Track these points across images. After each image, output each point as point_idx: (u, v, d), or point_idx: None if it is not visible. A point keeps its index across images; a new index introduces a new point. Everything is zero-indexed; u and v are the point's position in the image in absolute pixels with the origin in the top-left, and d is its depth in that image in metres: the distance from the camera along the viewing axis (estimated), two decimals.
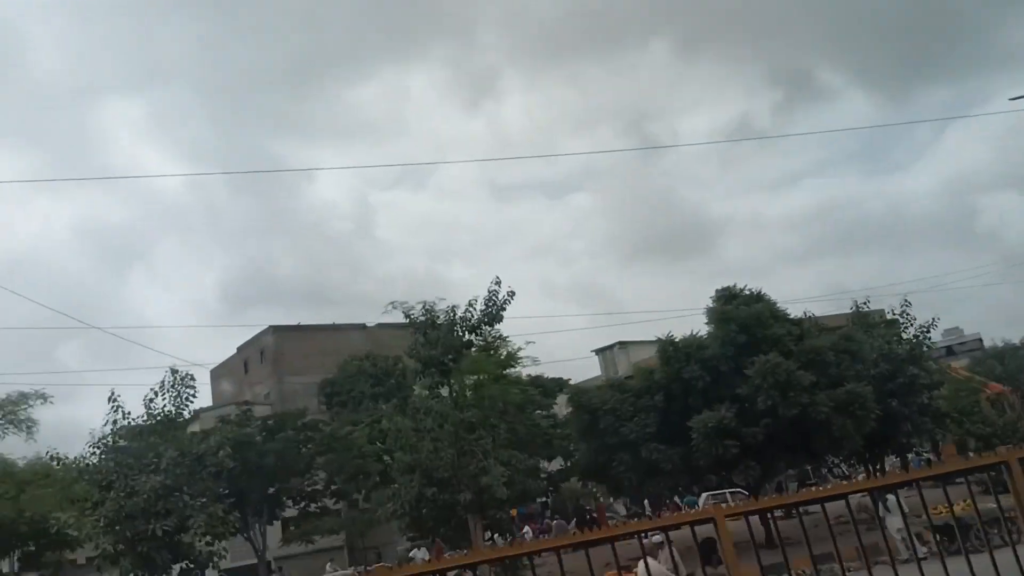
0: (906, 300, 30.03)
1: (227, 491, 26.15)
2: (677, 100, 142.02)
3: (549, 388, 34.46)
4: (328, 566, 38.26)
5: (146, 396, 23.16)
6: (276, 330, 66.72)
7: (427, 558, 29.16)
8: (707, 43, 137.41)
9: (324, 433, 32.34)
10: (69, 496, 24.55)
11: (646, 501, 40.23)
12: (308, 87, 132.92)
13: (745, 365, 24.19)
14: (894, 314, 29.89)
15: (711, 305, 27.24)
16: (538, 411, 30.85)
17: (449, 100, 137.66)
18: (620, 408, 25.77)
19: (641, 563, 9.44)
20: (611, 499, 43.22)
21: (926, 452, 39.30)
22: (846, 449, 25.80)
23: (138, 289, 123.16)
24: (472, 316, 25.38)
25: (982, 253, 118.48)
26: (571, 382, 41.21)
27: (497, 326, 25.81)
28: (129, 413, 22.63)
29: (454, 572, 5.47)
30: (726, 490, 34.03)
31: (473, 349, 25.70)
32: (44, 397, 30.38)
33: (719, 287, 27.83)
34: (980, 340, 80.00)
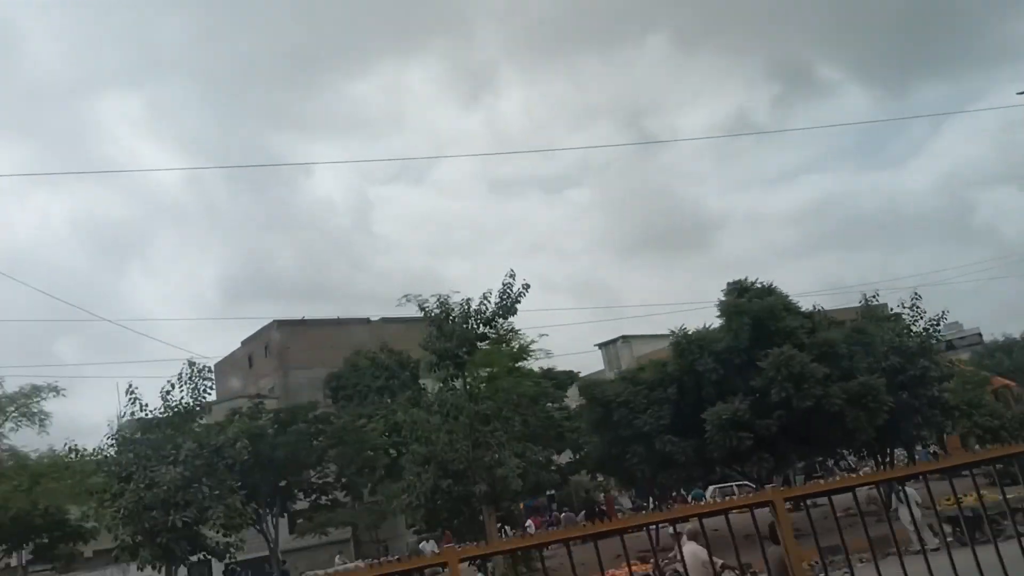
0: (916, 294, 30.17)
1: (239, 483, 26.22)
2: (675, 95, 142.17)
3: (561, 381, 34.60)
4: (337, 558, 38.46)
5: (163, 388, 23.30)
6: (281, 324, 66.97)
7: (436, 551, 29.30)
8: (705, 38, 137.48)
9: (335, 426, 32.40)
10: (88, 488, 24.64)
11: (652, 494, 40.43)
12: (306, 81, 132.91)
13: (758, 358, 24.32)
14: (904, 307, 30.02)
15: (722, 298, 27.38)
16: (550, 403, 30.98)
17: (447, 95, 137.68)
18: (633, 400, 25.92)
19: (686, 547, 9.58)
20: (616, 492, 43.45)
21: (931, 444, 39.47)
22: (858, 441, 25.93)
23: (134, 283, 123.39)
24: (487, 309, 25.46)
25: (979, 248, 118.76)
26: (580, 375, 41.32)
27: (511, 319, 25.94)
28: (147, 405, 22.76)
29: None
30: (733, 483, 34.27)
31: (487, 342, 25.82)
32: (56, 390, 30.56)
33: (730, 280, 27.97)
34: (979, 335, 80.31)
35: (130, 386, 22.65)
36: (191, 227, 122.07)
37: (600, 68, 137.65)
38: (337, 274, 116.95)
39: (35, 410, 30.49)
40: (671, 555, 14.74)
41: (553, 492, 43.60)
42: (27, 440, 32.29)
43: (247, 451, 24.55)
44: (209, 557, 23.00)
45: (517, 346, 27.22)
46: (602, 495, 40.95)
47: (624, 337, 67.81)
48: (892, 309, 31.93)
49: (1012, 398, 44.00)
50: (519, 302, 25.48)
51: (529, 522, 36.39)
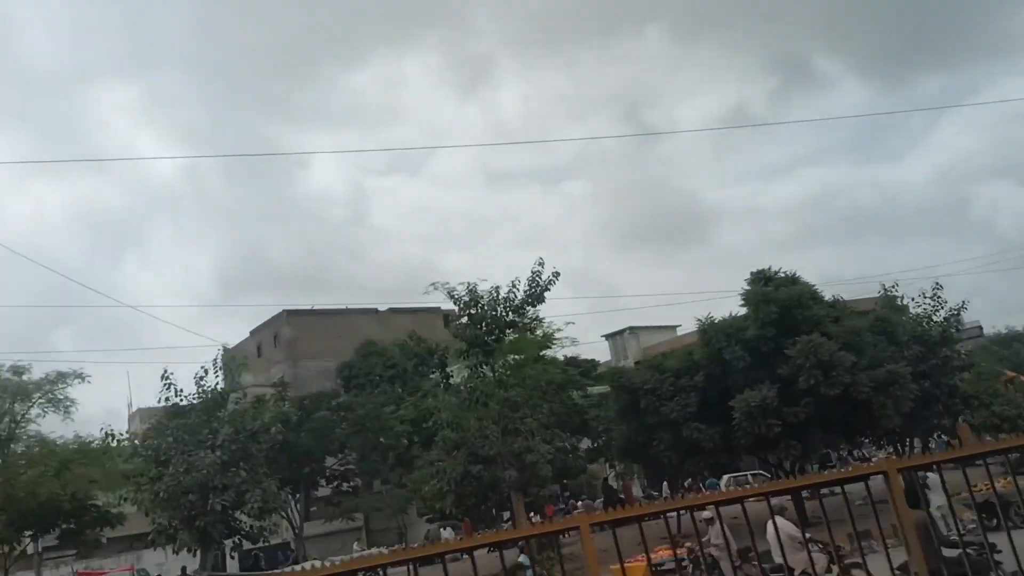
0: (937, 283, 30.49)
1: (265, 471, 26.41)
2: (673, 87, 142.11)
3: (586, 369, 34.83)
4: (355, 545, 38.82)
5: (196, 374, 23.48)
6: (290, 314, 67.26)
7: (454, 538, 29.54)
8: (703, 30, 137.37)
9: (358, 414, 32.61)
10: (124, 472, 24.77)
11: (664, 483, 40.73)
12: (303, 72, 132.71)
13: (785, 346, 24.56)
14: (925, 297, 30.33)
15: (746, 287, 27.62)
16: (576, 391, 31.24)
17: (444, 86, 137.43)
18: (660, 388, 26.14)
19: (770, 523, 9.83)
20: (629, 479, 43.72)
21: (941, 434, 39.83)
22: (883, 429, 26.22)
23: (127, 273, 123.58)
24: (515, 297, 25.66)
25: (977, 242, 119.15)
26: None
27: (538, 307, 26.15)
28: (182, 390, 22.95)
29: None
30: (747, 472, 34.58)
31: (513, 330, 26.04)
32: (81, 376, 30.65)
33: (754, 270, 28.16)
34: (980, 328, 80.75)
35: (165, 372, 22.86)
36: (187, 217, 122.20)
37: (598, 60, 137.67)
38: (333, 265, 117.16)
39: (60, 396, 30.68)
40: (704, 539, 14.95)
41: (565, 481, 43.88)
42: (51, 427, 32.48)
43: (281, 435, 24.73)
44: (243, 541, 23.15)
45: (542, 334, 27.48)
46: (619, 483, 41.27)
47: (631, 328, 68.14)
48: (904, 300, 32.19)
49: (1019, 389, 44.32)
50: (548, 290, 25.74)
51: (532, 514, 36.59)
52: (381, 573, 4.61)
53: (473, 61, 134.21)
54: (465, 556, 5.18)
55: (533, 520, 28.83)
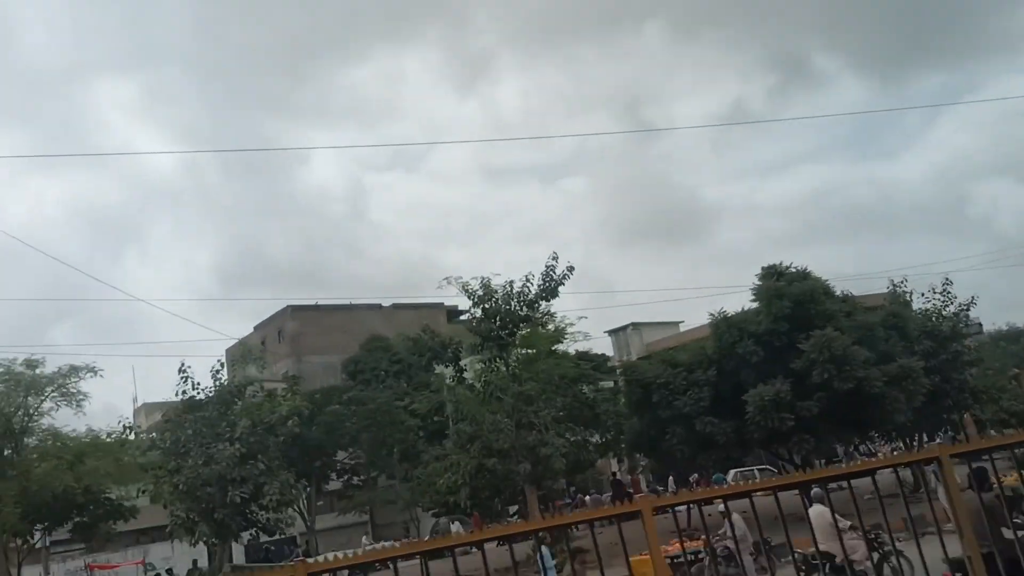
0: (947, 279, 30.62)
1: (280, 464, 26.49)
2: (672, 84, 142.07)
3: (598, 363, 34.95)
4: (364, 539, 39.02)
5: (212, 367, 23.56)
6: (294, 310, 67.34)
7: (462, 531, 29.70)
8: (702, 27, 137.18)
9: (368, 408, 32.72)
10: (142, 465, 24.84)
11: (670, 478, 40.90)
12: (303, 68, 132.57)
13: (798, 340, 24.70)
14: (935, 293, 30.46)
15: (757, 282, 27.77)
16: (588, 385, 31.37)
17: (444, 83, 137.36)
18: (673, 382, 26.28)
19: (812, 509, 9.97)
20: (629, 474, 43.92)
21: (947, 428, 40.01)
22: (895, 423, 26.37)
23: (129, 269, 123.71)
24: (529, 291, 25.75)
25: (975, 239, 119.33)
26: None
27: (552, 301, 26.24)
28: (199, 384, 23.04)
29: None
30: (754, 467, 34.74)
31: (526, 324, 26.12)
32: (94, 370, 30.70)
33: (765, 265, 28.31)
34: (980, 324, 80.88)
35: (182, 365, 22.97)
36: (186, 214, 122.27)
37: (597, 56, 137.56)
38: (333, 261, 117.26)
39: (73, 390, 30.76)
40: (720, 531, 15.07)
41: (576, 476, 44.02)
42: (63, 420, 32.50)
43: (297, 427, 24.82)
44: (260, 533, 23.27)
45: (553, 328, 27.56)
46: (621, 477, 41.42)
47: (634, 324, 68.38)
48: (912, 296, 32.28)
49: None
50: (562, 284, 25.83)
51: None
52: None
53: (472, 57, 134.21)
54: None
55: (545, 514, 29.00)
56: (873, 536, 9.88)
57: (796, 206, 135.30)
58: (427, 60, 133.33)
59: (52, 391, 30.24)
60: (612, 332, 68.56)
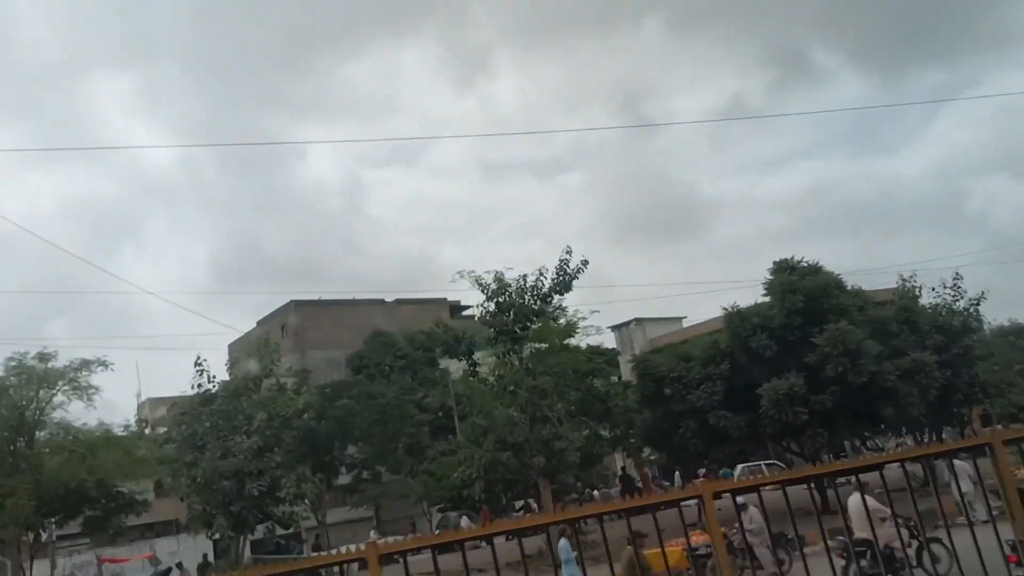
0: (957, 274, 30.68)
1: (296, 457, 26.51)
2: (670, 79, 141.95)
3: (610, 357, 35.01)
4: (372, 533, 39.05)
5: (227, 360, 23.56)
6: (298, 305, 67.36)
7: (473, 526, 29.74)
8: (700, 22, 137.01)
9: (379, 402, 32.77)
10: (158, 458, 24.85)
11: (676, 472, 40.97)
12: (300, 64, 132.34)
13: (811, 334, 24.76)
14: (945, 288, 30.53)
15: (769, 277, 27.85)
16: (600, 379, 31.45)
17: (442, 78, 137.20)
18: (686, 376, 26.35)
19: (854, 497, 10.02)
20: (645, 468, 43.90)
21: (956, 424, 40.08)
22: (908, 417, 26.46)
23: (127, 264, 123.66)
24: (543, 285, 25.76)
25: (973, 235, 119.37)
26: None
27: (565, 295, 26.25)
28: (214, 377, 23.03)
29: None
30: (761, 462, 34.82)
31: (539, 318, 26.14)
32: (105, 364, 30.72)
33: (777, 259, 28.41)
34: (982, 320, 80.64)
35: (198, 358, 22.96)
36: (183, 208, 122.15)
37: (595, 52, 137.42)
38: (331, 256, 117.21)
39: (84, 384, 30.75)
40: (735, 525, 15.12)
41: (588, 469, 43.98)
42: (73, 414, 32.50)
43: (313, 421, 24.84)
44: (276, 526, 23.31)
45: (565, 322, 27.60)
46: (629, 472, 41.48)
47: (637, 320, 68.49)
48: (921, 290, 32.30)
49: None
50: (576, 278, 25.85)
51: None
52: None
53: (470, 52, 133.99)
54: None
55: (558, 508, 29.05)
56: (912, 524, 9.90)
57: (795, 202, 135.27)
58: (425, 55, 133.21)
59: (63, 384, 30.26)
60: (615, 328, 68.68)
